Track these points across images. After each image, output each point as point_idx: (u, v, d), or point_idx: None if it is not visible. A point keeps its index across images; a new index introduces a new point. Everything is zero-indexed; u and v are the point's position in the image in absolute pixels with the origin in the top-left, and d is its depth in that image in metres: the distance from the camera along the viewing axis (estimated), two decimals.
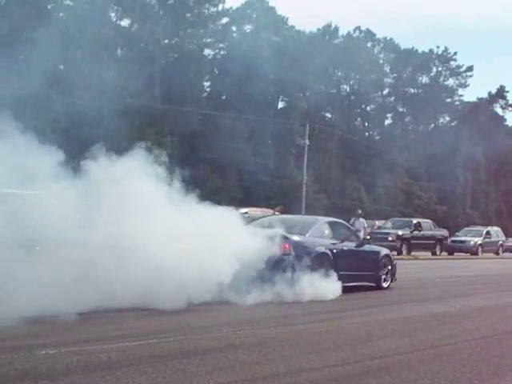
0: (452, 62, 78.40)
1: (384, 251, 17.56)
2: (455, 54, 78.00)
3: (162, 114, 49.52)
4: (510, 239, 51.02)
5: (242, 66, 51.48)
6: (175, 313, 10.26)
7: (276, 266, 12.77)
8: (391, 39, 75.16)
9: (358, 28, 72.92)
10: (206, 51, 61.92)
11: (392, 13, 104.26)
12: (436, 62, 78.11)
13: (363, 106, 75.77)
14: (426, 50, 77.59)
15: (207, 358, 7.08)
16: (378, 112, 76.23)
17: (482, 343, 8.85)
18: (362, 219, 28.70)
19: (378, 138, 75.39)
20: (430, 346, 8.42)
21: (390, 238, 34.08)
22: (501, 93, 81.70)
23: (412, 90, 77.98)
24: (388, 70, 76.27)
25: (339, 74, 71.85)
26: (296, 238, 13.93)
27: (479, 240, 42.63)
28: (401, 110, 78.40)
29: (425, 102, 74.71)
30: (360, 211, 30.08)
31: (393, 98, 77.71)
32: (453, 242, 40.90)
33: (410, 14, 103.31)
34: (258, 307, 11.48)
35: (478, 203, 73.03)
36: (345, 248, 15.42)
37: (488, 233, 44.22)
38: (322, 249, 14.48)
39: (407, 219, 39.81)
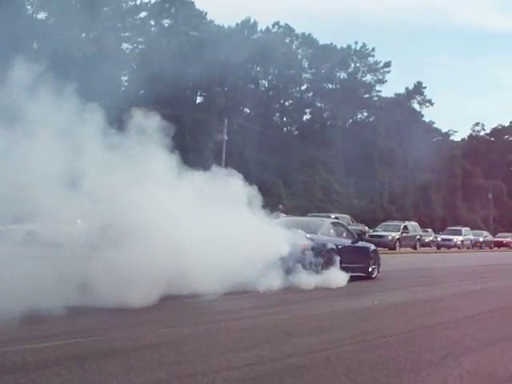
0: (370, 58, 79.45)
1: (372, 247, 20.51)
2: (373, 50, 79.10)
3: None
4: (426, 233, 52.18)
5: (160, 60, 50.83)
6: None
7: (300, 258, 15.55)
8: (309, 34, 75.64)
9: (277, 23, 73.28)
10: (124, 45, 61.03)
11: (311, 8, 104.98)
12: (354, 57, 78.96)
13: (282, 102, 76.06)
14: (344, 46, 78.36)
15: (124, 358, 6.97)
16: (297, 107, 76.63)
17: (400, 338, 8.84)
18: (283, 215, 28.65)
19: (296, 133, 75.81)
20: (349, 342, 8.36)
21: None
22: (418, 89, 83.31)
23: (330, 86, 78.63)
24: (306, 66, 76.72)
25: (258, 69, 71.93)
26: (313, 236, 17.02)
27: (397, 235, 43.41)
28: (319, 105, 79.00)
29: (343, 97, 75.34)
30: (281, 206, 30.06)
31: (311, 94, 78.24)
32: (371, 236, 41.29)
33: (329, 10, 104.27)
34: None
35: (395, 198, 74.23)
36: (345, 244, 18.60)
37: (405, 227, 45.12)
38: (331, 245, 17.62)
39: (324, 214, 39.90)
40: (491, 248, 59.25)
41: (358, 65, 79.55)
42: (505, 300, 14.88)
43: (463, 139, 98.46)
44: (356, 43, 78.99)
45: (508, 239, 69.51)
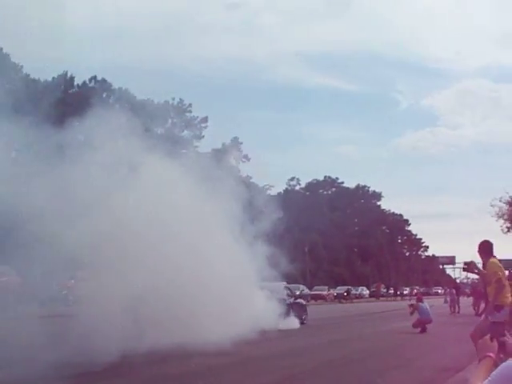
0: (187, 114, 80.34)
1: (303, 302, 32.73)
2: (190, 105, 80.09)
3: None
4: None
5: None
6: None
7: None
8: (126, 89, 75.35)
9: (94, 78, 72.40)
10: None
11: (128, 64, 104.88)
12: (171, 113, 79.52)
13: None
14: (162, 101, 78.67)
15: None
16: None
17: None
18: None
19: None
20: None
21: None
22: (235, 144, 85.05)
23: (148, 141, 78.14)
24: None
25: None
26: (278, 295, 26.96)
27: None
28: None
29: (162, 152, 75.04)
30: None
31: None
32: None
33: (146, 65, 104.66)
34: None
35: None
36: (291, 300, 29.42)
37: None
38: (288, 301, 28.57)
39: None
40: (308, 301, 60.49)
41: (175, 120, 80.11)
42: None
43: (279, 193, 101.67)
44: (173, 99, 79.68)
45: (325, 292, 71.98)
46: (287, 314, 26.76)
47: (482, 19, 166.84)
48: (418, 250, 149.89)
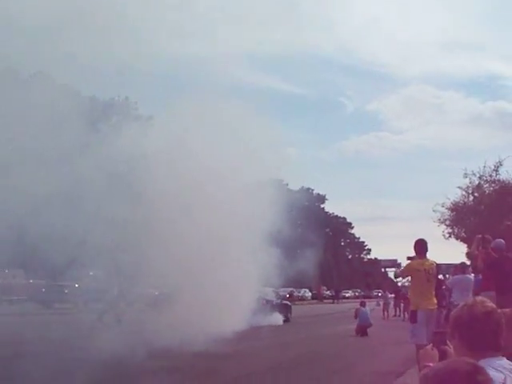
0: (133, 111, 79.50)
1: (288, 303, 40.14)
2: (136, 103, 79.29)
3: None
4: None
5: None
6: None
7: (261, 308, 29.97)
8: (70, 85, 74.20)
9: (40, 72, 71.16)
10: None
11: (75, 59, 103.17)
12: (117, 110, 78.51)
13: None
14: (107, 99, 77.72)
15: None
16: None
17: None
18: None
19: None
20: None
21: None
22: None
23: (93, 138, 77.32)
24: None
25: None
26: (266, 297, 33.66)
27: None
28: None
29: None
30: None
31: None
32: None
33: (93, 61, 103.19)
34: None
35: None
36: (278, 301, 36.90)
37: None
38: (275, 302, 35.55)
39: None
40: None
41: (120, 117, 79.13)
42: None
43: None
44: (119, 96, 78.76)
45: None
46: (272, 312, 32.95)
47: (428, 26, 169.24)
48: (361, 253, 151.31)
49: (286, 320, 35.29)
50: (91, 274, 27.24)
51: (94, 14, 23.27)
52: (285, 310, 36.55)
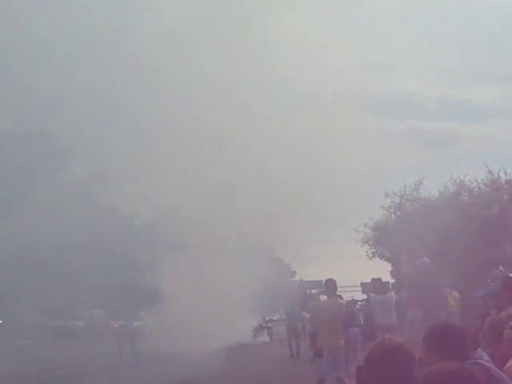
0: (50, 143, 77.78)
1: (271, 325, 51.27)
2: (53, 134, 77.57)
3: None
4: None
5: None
6: None
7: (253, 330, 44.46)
8: None
9: None
10: None
11: None
12: (34, 142, 76.81)
13: None
14: (24, 130, 75.98)
15: None
16: None
17: None
18: None
19: None
20: None
21: None
22: (99, 173, 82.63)
23: (10, 170, 75.46)
24: None
25: None
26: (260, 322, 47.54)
27: None
28: None
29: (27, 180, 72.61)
30: None
31: None
32: None
33: (7, 94, 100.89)
34: None
35: None
36: (264, 324, 49.58)
37: None
38: (263, 325, 48.58)
39: None
40: None
41: (38, 149, 77.37)
42: None
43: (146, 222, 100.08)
44: (34, 128, 76.97)
45: None
46: (262, 332, 46.22)
47: (340, 49, 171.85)
48: (286, 275, 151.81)
49: (270, 338, 46.73)
50: None
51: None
52: (269, 331, 49.11)
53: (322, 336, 12.98)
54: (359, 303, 31.10)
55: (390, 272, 30.98)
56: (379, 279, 18.69)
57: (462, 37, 76.15)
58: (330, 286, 13.43)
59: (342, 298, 15.23)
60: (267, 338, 46.31)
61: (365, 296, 27.94)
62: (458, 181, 40.45)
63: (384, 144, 49.76)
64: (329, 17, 46.08)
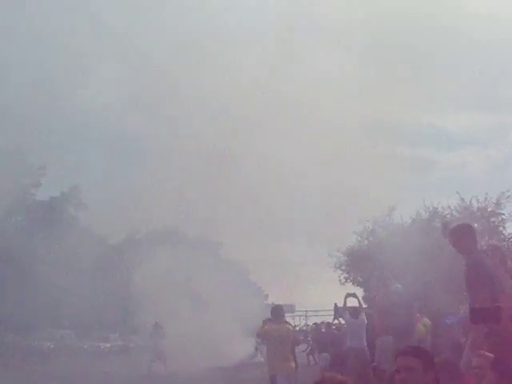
0: (25, 161, 77.27)
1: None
2: (28, 152, 77.09)
3: None
4: None
5: None
6: None
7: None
8: None
9: None
10: None
11: None
12: (8, 160, 76.12)
13: None
14: None
15: None
16: None
17: None
18: None
19: None
20: None
21: None
22: (74, 192, 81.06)
23: None
24: None
25: None
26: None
27: None
28: None
29: None
30: None
31: None
32: None
33: None
34: None
35: None
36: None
37: None
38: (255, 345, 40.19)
39: None
40: None
41: (13, 167, 76.78)
42: None
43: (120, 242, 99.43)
44: (7, 145, 76.33)
45: None
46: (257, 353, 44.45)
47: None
48: (258, 298, 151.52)
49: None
50: None
51: None
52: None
53: (273, 362, 13.42)
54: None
55: (363, 297, 31.08)
56: (354, 294, 19.05)
57: (438, 64, 77.03)
58: (277, 313, 14.06)
59: (290, 324, 15.95)
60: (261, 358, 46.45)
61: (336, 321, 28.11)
62: (430, 208, 40.83)
63: (356, 168, 50.17)
64: None
